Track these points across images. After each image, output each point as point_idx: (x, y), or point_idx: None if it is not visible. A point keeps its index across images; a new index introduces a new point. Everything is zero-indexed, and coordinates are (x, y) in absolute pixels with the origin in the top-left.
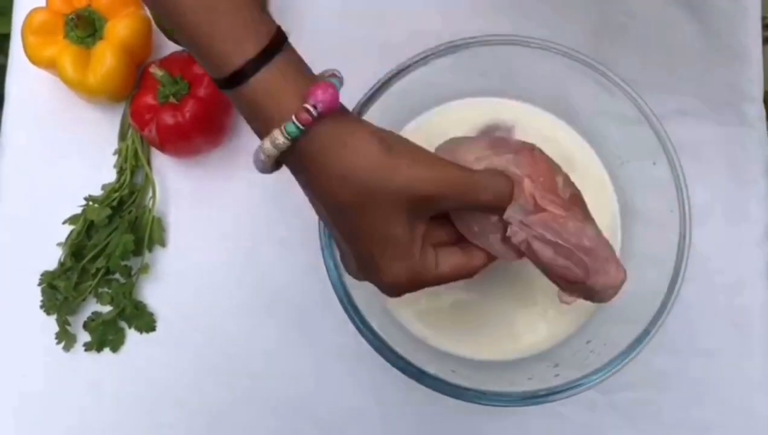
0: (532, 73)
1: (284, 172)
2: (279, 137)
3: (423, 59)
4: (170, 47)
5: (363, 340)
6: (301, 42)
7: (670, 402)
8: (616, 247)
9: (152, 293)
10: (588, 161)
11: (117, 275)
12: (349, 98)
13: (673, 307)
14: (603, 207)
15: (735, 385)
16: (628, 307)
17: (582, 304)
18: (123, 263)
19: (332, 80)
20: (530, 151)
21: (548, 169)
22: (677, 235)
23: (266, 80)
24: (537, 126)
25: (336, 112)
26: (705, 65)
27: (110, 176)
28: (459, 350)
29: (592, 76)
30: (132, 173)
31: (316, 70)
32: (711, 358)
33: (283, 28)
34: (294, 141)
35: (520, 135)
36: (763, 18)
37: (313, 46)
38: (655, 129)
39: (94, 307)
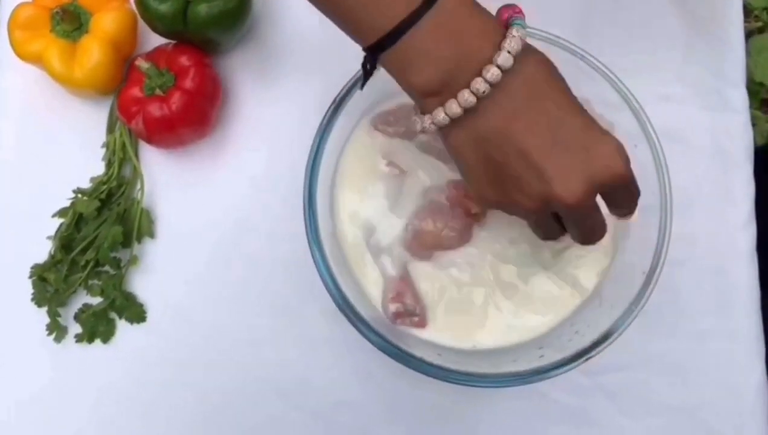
0: None
1: (270, 161)
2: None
3: None
4: (156, 40)
5: (351, 328)
6: (285, 31)
7: (656, 384)
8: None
9: (142, 284)
10: None
11: (107, 267)
12: (335, 85)
13: (656, 288)
14: None
15: (722, 366)
16: (612, 289)
17: (572, 294)
18: (112, 255)
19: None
20: (453, 207)
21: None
22: (659, 218)
23: (455, 4)
24: None
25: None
26: (688, 51)
27: (98, 169)
28: (445, 341)
29: (573, 62)
30: (120, 166)
31: (303, 60)
32: (698, 339)
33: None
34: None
35: None
36: (750, 9)
37: (297, 36)
38: (635, 113)
39: (84, 298)
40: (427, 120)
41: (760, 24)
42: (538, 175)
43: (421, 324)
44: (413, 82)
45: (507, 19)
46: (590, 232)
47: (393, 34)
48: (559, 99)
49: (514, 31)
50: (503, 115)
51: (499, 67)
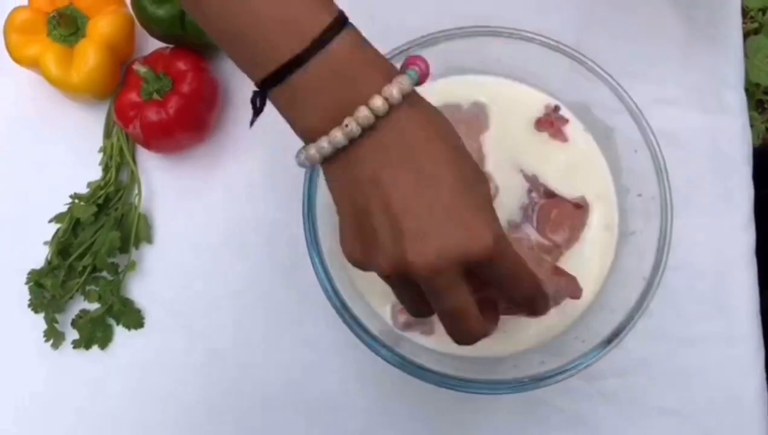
0: (514, 63)
1: (269, 166)
2: (379, 102)
3: (398, 55)
4: (153, 44)
5: (349, 333)
6: None
7: (656, 389)
8: (614, 226)
9: (139, 290)
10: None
11: (104, 273)
12: None
13: (656, 293)
14: (598, 182)
15: (721, 371)
16: (613, 295)
17: (573, 304)
18: (110, 260)
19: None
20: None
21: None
22: (659, 222)
23: (346, 50)
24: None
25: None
26: (686, 54)
27: (96, 174)
28: (452, 348)
29: (573, 66)
30: (117, 170)
31: None
32: (697, 344)
33: None
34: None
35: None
36: (746, 11)
37: None
38: (635, 117)
39: (81, 304)
40: (311, 148)
41: (755, 25)
42: (393, 231)
43: (430, 331)
44: (298, 125)
45: (405, 68)
46: (454, 317)
47: (278, 74)
48: (439, 158)
49: (401, 79)
50: (376, 161)
51: (371, 109)
